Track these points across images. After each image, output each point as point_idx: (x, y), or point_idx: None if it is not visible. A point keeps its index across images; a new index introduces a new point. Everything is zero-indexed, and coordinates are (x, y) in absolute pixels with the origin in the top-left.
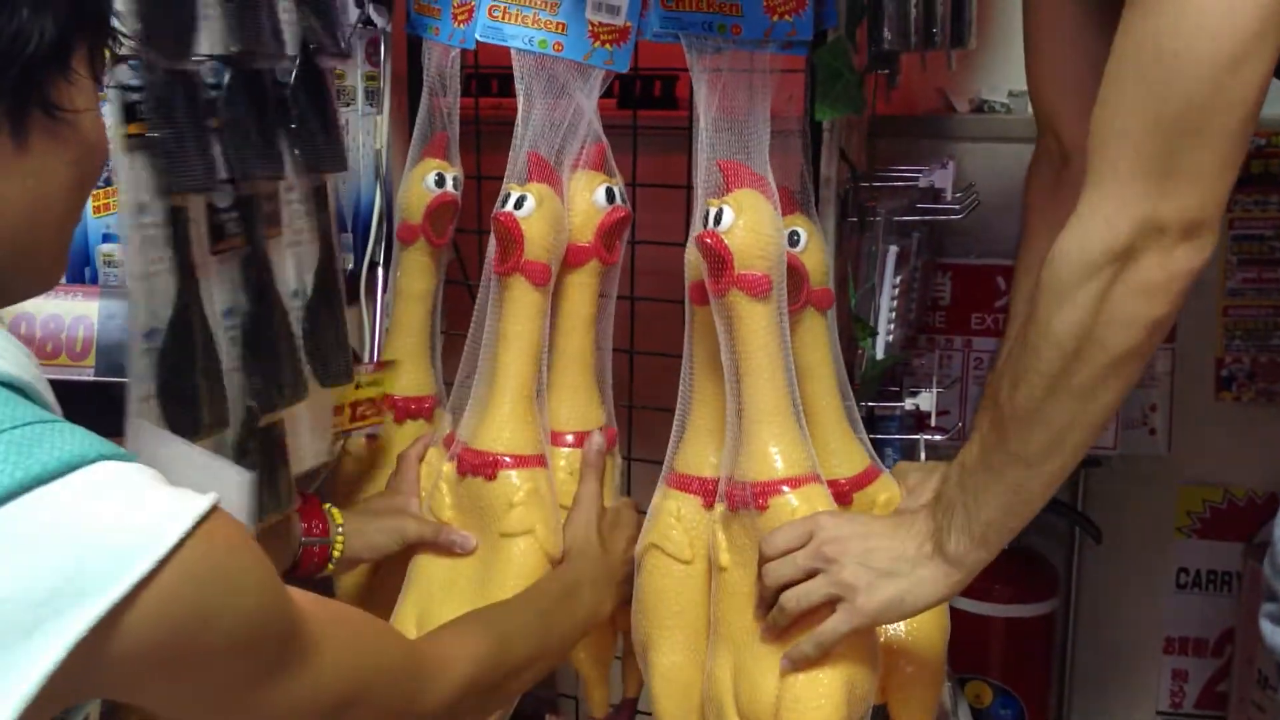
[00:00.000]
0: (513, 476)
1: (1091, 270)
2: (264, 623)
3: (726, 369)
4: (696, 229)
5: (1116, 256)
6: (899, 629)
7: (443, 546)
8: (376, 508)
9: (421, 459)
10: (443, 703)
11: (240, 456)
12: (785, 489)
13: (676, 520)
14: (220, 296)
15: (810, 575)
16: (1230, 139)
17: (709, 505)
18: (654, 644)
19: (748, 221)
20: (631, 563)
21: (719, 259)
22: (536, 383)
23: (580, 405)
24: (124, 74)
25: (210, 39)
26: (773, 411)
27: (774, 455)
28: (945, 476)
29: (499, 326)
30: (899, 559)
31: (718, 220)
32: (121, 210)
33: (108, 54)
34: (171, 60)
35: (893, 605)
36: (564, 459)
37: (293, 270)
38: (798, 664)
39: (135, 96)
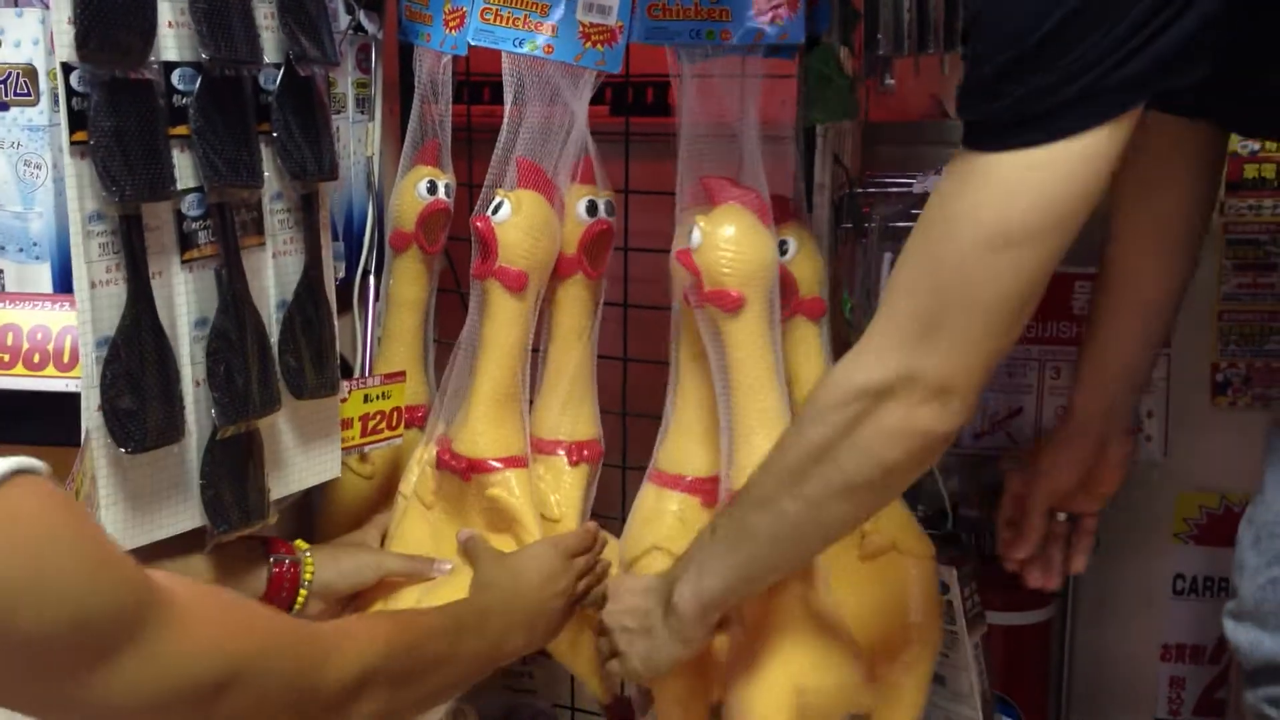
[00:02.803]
0: (485, 479)
1: (847, 398)
2: (88, 600)
3: (715, 380)
4: (679, 239)
5: (869, 393)
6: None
7: (421, 576)
8: (348, 541)
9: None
10: (343, 681)
11: (203, 467)
12: None
13: (680, 523)
14: (191, 306)
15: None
16: (992, 316)
17: (708, 504)
18: None
19: (714, 240)
20: (554, 601)
21: (691, 277)
22: (516, 387)
23: (566, 416)
24: (72, 80)
25: (180, 45)
26: (759, 422)
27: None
28: (695, 539)
29: (478, 331)
30: (645, 615)
31: (692, 238)
32: (71, 218)
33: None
34: (120, 67)
35: (646, 663)
36: (544, 466)
37: (276, 280)
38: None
39: (83, 104)
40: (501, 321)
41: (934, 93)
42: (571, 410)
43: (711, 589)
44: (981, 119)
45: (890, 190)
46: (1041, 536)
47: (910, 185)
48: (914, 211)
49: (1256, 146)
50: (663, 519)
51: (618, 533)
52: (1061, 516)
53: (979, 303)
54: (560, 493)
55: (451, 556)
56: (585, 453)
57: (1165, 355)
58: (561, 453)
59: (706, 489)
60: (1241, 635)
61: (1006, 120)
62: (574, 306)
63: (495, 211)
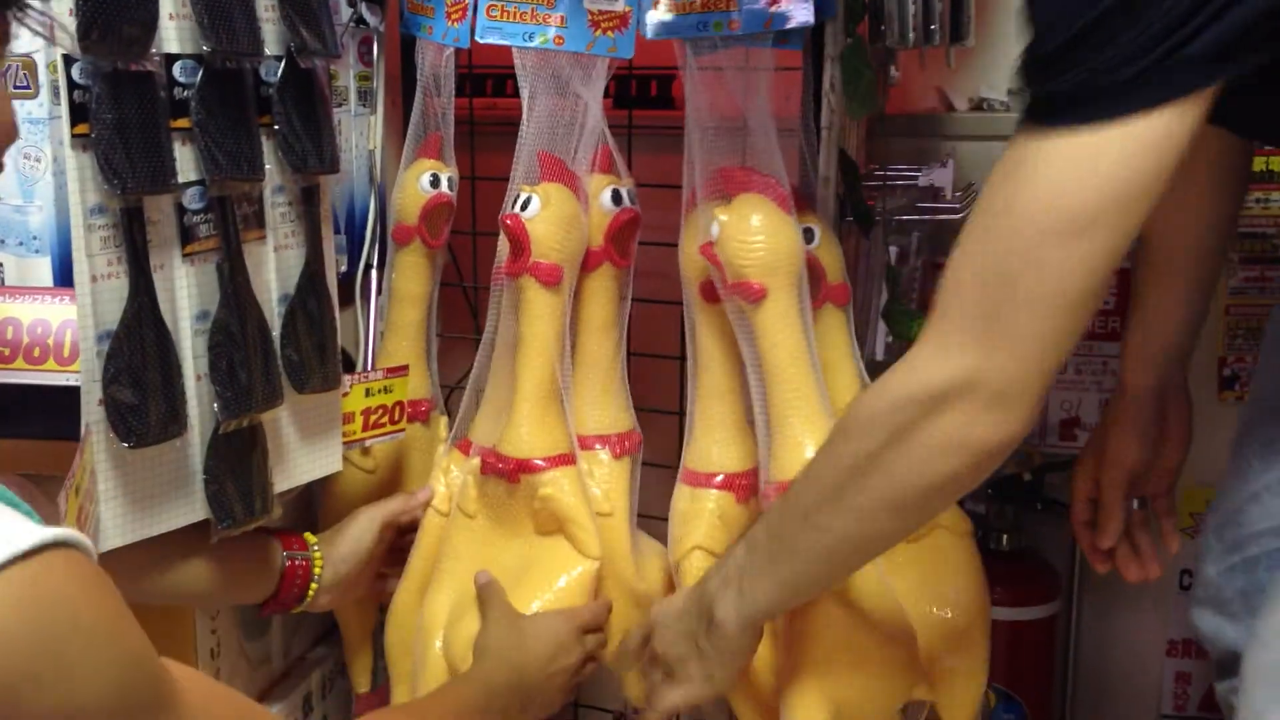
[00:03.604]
0: (535, 480)
1: (897, 405)
2: (101, 694)
3: (749, 371)
4: (695, 233)
5: (923, 400)
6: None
7: (415, 510)
8: (338, 527)
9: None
10: None
11: (206, 462)
12: None
13: (720, 520)
14: (192, 300)
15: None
16: (1056, 313)
17: (742, 500)
18: None
19: (732, 232)
20: (557, 678)
21: (715, 269)
22: (557, 384)
23: (603, 409)
24: (74, 72)
25: (182, 38)
26: (794, 411)
27: (807, 450)
28: (730, 552)
29: (515, 329)
30: (689, 637)
31: (711, 230)
32: (72, 211)
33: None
34: (122, 59)
35: (711, 682)
36: (587, 462)
37: (277, 274)
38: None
39: (84, 96)
40: (539, 318)
41: (939, 85)
42: (607, 403)
43: (755, 605)
44: (1045, 95)
45: (895, 183)
46: (1122, 524)
47: (915, 178)
48: (920, 205)
49: None
50: (700, 518)
51: None
52: (1135, 505)
53: (1047, 297)
54: (608, 486)
55: (503, 563)
56: (626, 444)
57: None
58: (601, 446)
59: (740, 484)
60: (1205, 622)
61: (1072, 96)
62: (603, 298)
63: (524, 208)
